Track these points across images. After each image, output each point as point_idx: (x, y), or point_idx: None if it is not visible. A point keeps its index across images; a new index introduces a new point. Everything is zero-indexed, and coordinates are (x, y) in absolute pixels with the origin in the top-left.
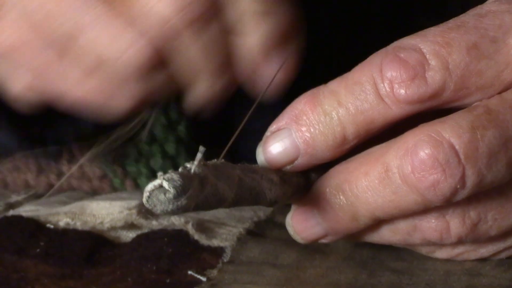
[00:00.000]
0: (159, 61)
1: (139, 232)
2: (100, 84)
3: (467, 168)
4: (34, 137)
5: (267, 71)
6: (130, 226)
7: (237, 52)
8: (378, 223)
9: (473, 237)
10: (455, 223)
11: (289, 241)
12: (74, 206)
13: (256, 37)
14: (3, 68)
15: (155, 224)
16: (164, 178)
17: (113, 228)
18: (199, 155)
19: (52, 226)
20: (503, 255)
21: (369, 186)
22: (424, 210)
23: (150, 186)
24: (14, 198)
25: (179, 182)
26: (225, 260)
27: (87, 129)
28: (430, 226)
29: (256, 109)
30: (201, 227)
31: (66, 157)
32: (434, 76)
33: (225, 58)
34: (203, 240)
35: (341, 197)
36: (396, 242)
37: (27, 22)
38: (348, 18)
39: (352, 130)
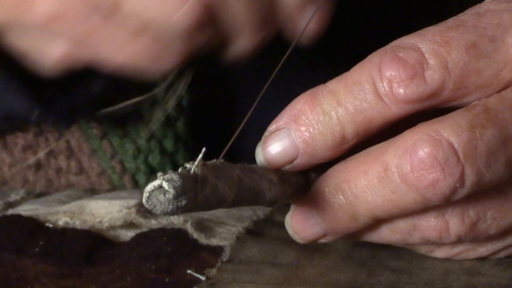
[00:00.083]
0: (207, 19)
1: (138, 231)
2: (146, 46)
3: (466, 167)
4: (48, 103)
5: (304, 19)
6: (129, 225)
7: (278, 3)
8: (377, 222)
9: (472, 236)
10: (454, 222)
11: (288, 240)
12: (73, 205)
13: None
14: (38, 39)
15: (154, 223)
16: (163, 179)
17: (112, 227)
18: (199, 156)
19: (51, 225)
20: (502, 254)
21: (368, 186)
22: (424, 209)
23: (149, 187)
24: (13, 197)
25: (178, 183)
26: (224, 259)
27: (105, 92)
28: (429, 225)
29: (256, 109)
30: (200, 226)
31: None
32: (433, 76)
33: (268, 10)
34: (202, 239)
35: (340, 196)
36: (395, 241)
37: None
38: (348, 18)
39: (351, 129)
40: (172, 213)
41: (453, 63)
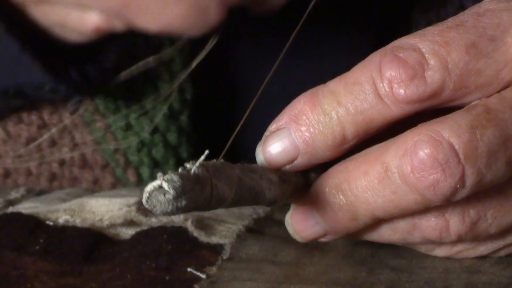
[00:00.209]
0: None
1: (138, 229)
2: (182, 12)
3: (467, 168)
4: (60, 75)
5: None
6: (130, 223)
7: None
8: (377, 222)
9: (473, 235)
10: (454, 222)
11: (289, 239)
12: (74, 203)
13: None
14: (72, 10)
15: (154, 221)
16: (163, 179)
17: (113, 225)
18: (201, 158)
19: (51, 223)
20: (502, 253)
21: (369, 186)
22: (424, 209)
23: (149, 187)
24: (13, 195)
25: (178, 183)
26: (224, 257)
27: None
28: (429, 225)
29: (255, 109)
30: (201, 224)
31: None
32: (433, 76)
33: None
34: (202, 237)
35: (341, 196)
36: (395, 240)
37: None
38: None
39: (352, 130)
40: (171, 213)
41: (453, 63)
